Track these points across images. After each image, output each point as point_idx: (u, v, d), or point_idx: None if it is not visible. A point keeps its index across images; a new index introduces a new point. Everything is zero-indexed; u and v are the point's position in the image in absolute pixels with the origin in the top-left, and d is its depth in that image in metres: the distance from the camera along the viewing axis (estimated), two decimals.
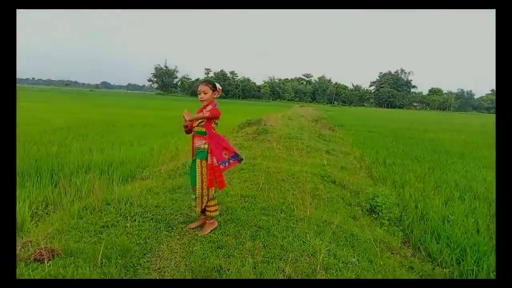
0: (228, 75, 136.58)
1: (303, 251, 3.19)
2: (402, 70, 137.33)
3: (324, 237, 3.56)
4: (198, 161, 3.45)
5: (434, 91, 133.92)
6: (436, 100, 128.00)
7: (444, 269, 3.79)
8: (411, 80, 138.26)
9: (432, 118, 48.95)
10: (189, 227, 3.65)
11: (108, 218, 3.68)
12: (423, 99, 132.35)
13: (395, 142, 14.85)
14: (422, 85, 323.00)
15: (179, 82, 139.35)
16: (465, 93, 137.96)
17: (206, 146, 3.43)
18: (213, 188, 3.46)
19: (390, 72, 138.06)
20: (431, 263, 3.93)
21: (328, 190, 5.66)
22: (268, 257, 3.06)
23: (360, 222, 4.57)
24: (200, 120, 3.43)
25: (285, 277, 2.76)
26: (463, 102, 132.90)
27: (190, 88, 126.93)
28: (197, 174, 3.44)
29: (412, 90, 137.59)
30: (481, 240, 4.41)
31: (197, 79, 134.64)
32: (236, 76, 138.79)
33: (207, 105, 3.50)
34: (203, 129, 3.44)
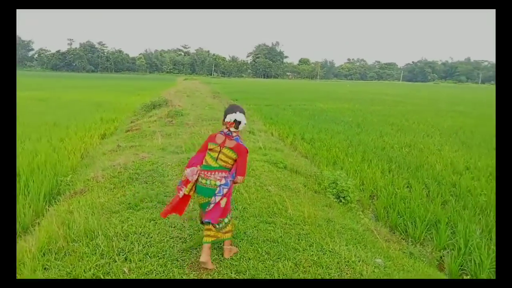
0: (96, 46, 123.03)
1: (338, 263, 2.99)
2: (276, 42, 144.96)
3: (337, 240, 3.45)
4: None
5: (303, 61, 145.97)
6: (306, 70, 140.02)
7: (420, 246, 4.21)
8: (283, 51, 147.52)
9: (309, 87, 53.27)
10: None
11: (90, 264, 2.80)
12: (294, 69, 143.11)
13: (297, 115, 15.61)
14: (293, 55, 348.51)
15: (36, 55, 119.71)
16: (328, 63, 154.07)
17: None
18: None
19: (264, 44, 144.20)
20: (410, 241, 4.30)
21: (288, 179, 5.57)
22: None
23: (339, 211, 4.64)
24: None
25: None
26: (327, 70, 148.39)
27: (50, 62, 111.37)
28: None
29: (285, 60, 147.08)
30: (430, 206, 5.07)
31: (58, 51, 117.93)
32: (106, 47, 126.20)
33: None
34: None
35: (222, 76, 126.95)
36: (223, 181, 2.80)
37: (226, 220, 2.92)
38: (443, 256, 3.88)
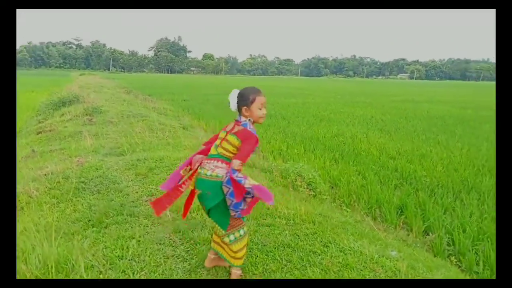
0: None
1: (364, 262, 2.79)
2: (179, 37, 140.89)
3: (344, 236, 3.27)
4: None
5: (207, 56, 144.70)
6: (210, 65, 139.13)
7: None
8: (186, 46, 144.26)
9: (217, 81, 52.97)
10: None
11: None
12: (199, 64, 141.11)
13: (218, 109, 15.11)
14: (196, 51, 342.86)
15: None
16: (231, 58, 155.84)
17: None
18: None
19: (166, 38, 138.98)
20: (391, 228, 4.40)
21: (251, 175, 5.24)
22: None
23: (320, 205, 4.50)
24: None
25: None
26: (231, 66, 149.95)
27: None
28: None
29: (189, 55, 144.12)
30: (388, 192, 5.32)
31: None
32: None
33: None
34: None
35: (121, 71, 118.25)
36: (220, 174, 2.29)
37: (236, 234, 2.39)
38: (433, 241, 4.02)
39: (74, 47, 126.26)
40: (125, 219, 3.34)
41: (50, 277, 2.32)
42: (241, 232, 2.41)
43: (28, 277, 2.30)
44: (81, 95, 12.49)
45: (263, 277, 2.52)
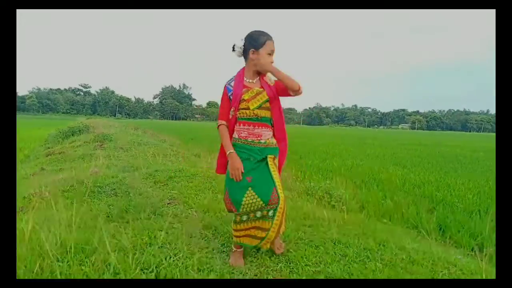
0: None
1: (432, 260, 2.36)
2: (184, 85, 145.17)
3: (400, 238, 2.87)
4: (270, 158, 2.18)
5: (211, 104, 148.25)
6: (215, 112, 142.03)
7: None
8: (191, 94, 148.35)
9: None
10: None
11: None
12: (204, 111, 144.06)
13: None
14: (201, 98, 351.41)
15: None
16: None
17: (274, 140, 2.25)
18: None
19: (172, 86, 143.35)
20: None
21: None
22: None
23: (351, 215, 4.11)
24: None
25: None
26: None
27: None
28: (274, 178, 2.14)
29: (193, 102, 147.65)
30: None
31: None
32: None
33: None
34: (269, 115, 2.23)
35: (127, 117, 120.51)
36: None
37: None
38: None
39: (82, 93, 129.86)
40: (148, 215, 2.98)
41: (69, 258, 1.94)
42: None
43: (42, 260, 1.93)
44: (91, 126, 12.39)
45: (318, 269, 2.12)
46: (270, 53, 2.13)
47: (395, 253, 2.42)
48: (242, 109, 2.16)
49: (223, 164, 2.26)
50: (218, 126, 2.23)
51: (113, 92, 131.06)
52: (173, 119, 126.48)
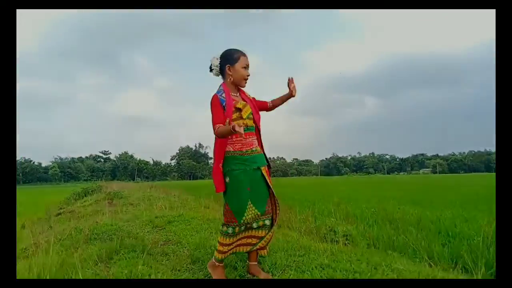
0: None
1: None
2: (200, 144, 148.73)
3: (397, 260, 2.72)
4: (264, 169, 2.30)
5: None
6: None
7: None
8: (208, 153, 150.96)
9: None
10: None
11: None
12: None
13: None
14: None
15: None
16: None
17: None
18: None
19: (188, 146, 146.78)
20: None
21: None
22: None
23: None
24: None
25: None
26: None
27: None
28: (270, 189, 2.29)
29: (210, 161, 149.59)
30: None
31: None
32: None
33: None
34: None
35: (146, 180, 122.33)
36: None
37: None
38: None
39: (102, 160, 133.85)
40: (137, 255, 2.93)
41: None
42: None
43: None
44: (104, 186, 12.64)
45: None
46: (245, 67, 2.28)
47: (386, 273, 2.28)
48: (234, 119, 2.22)
49: (220, 181, 2.27)
50: (216, 129, 2.17)
51: (131, 156, 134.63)
52: (190, 179, 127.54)
